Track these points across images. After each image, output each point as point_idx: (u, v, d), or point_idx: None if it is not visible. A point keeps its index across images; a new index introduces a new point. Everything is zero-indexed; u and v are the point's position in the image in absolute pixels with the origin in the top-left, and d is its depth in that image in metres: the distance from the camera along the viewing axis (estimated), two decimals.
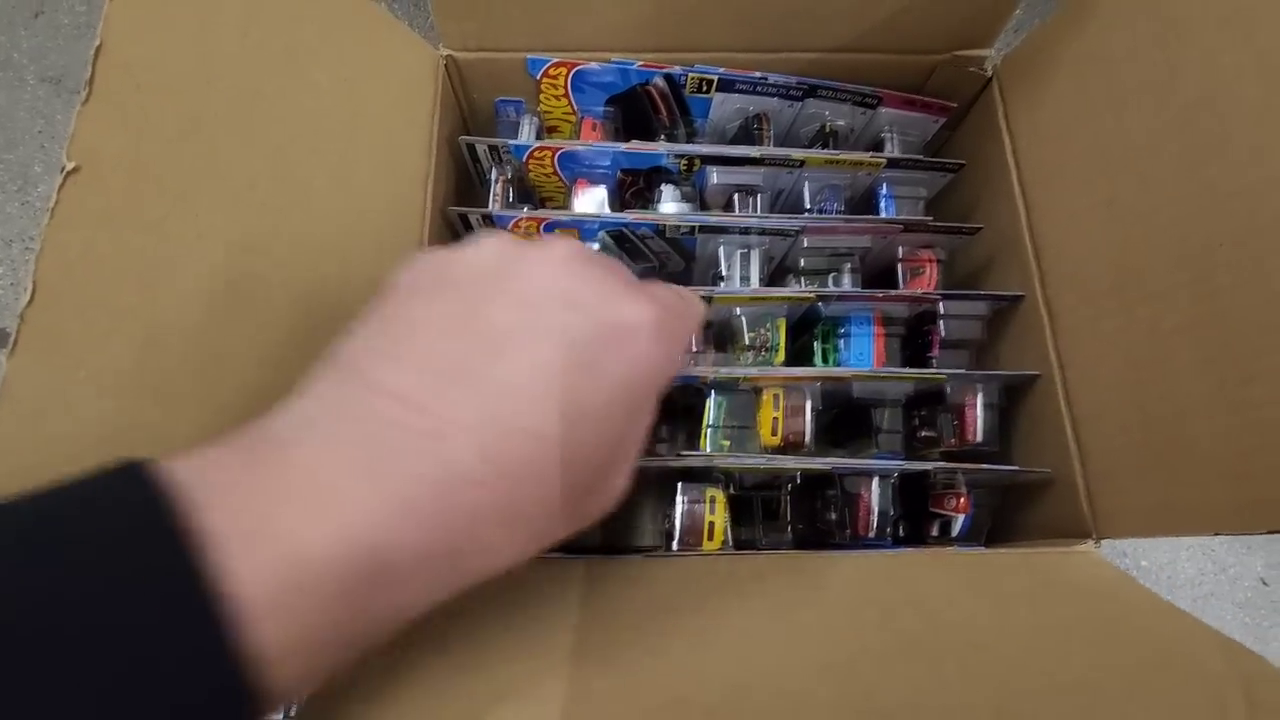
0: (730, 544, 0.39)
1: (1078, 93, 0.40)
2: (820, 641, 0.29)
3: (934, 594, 0.33)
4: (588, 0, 0.43)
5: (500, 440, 0.20)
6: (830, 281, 0.46)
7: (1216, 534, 0.31)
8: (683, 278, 0.49)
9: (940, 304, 0.43)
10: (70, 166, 0.24)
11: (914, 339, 0.45)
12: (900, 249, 0.46)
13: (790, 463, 0.39)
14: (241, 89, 0.32)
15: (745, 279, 0.44)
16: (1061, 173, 0.41)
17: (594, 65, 0.46)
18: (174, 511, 0.17)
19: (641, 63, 0.46)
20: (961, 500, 0.41)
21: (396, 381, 0.21)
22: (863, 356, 0.42)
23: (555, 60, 0.46)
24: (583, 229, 0.44)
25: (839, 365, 0.43)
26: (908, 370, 0.41)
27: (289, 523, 0.19)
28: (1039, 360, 0.41)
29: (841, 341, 0.43)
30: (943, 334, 0.43)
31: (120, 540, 0.17)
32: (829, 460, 0.39)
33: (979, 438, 0.41)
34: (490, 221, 0.44)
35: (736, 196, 0.46)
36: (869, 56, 0.46)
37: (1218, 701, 0.25)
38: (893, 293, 0.42)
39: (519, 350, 0.21)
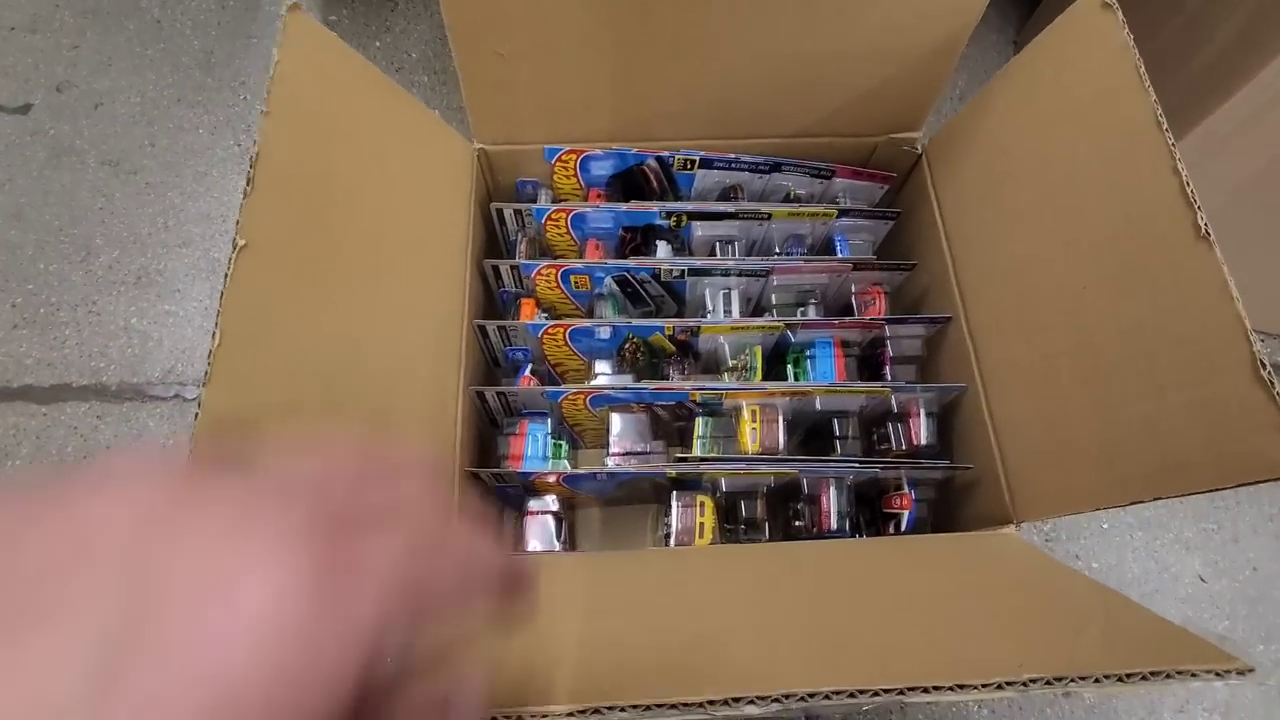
0: (718, 542, 0.47)
1: (982, 169, 0.51)
2: (793, 594, 0.37)
3: (881, 563, 0.41)
4: (593, 106, 0.54)
5: None
6: (798, 314, 0.55)
7: (1096, 509, 0.40)
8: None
9: (886, 328, 0.52)
10: (242, 244, 0.33)
11: (869, 361, 0.55)
12: (854, 286, 0.56)
13: (764, 466, 0.47)
14: (349, 183, 0.42)
15: (728, 313, 0.53)
16: (976, 231, 0.52)
17: (598, 151, 0.57)
18: None
19: (637, 149, 0.57)
20: (904, 499, 0.49)
21: None
22: (826, 374, 0.52)
23: (567, 148, 0.57)
24: (593, 276, 0.54)
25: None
26: (859, 384, 0.50)
27: None
28: (967, 375, 0.50)
29: (809, 363, 0.53)
30: (891, 352, 0.53)
31: None
32: (795, 463, 0.47)
33: (923, 440, 0.50)
34: (518, 271, 0.54)
35: (718, 246, 0.57)
36: (823, 140, 0.58)
37: (1082, 621, 0.33)
38: (847, 320, 0.51)
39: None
